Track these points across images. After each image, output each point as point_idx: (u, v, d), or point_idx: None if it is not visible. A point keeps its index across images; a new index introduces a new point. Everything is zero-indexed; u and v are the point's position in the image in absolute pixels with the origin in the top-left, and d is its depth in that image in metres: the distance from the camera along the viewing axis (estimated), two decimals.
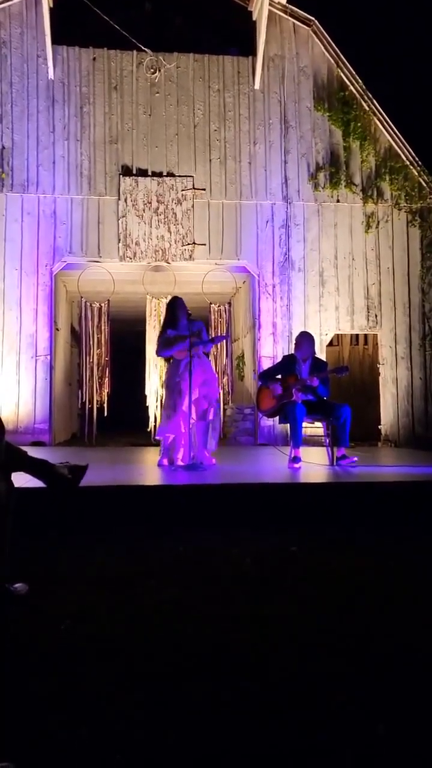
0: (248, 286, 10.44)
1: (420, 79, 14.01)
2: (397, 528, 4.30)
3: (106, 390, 10.22)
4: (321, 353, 9.36)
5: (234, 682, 2.04)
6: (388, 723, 1.81)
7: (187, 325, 5.96)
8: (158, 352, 6.19)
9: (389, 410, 9.74)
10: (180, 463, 5.82)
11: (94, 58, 9.59)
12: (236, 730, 1.77)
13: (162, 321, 6.60)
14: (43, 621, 2.58)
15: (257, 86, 9.75)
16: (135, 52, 9.60)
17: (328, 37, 9.85)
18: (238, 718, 1.83)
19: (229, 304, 11.14)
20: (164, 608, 2.72)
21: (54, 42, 9.37)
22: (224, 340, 10.46)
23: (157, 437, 6.23)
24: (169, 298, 6.37)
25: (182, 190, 9.54)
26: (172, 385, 5.90)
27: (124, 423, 13.24)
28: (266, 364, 8.94)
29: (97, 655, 2.25)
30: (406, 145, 9.87)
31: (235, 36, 10.16)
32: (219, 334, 10.29)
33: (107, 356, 10.23)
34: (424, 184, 9.86)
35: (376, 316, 9.80)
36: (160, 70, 9.64)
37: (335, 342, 10.29)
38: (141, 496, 4.45)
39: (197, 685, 2.02)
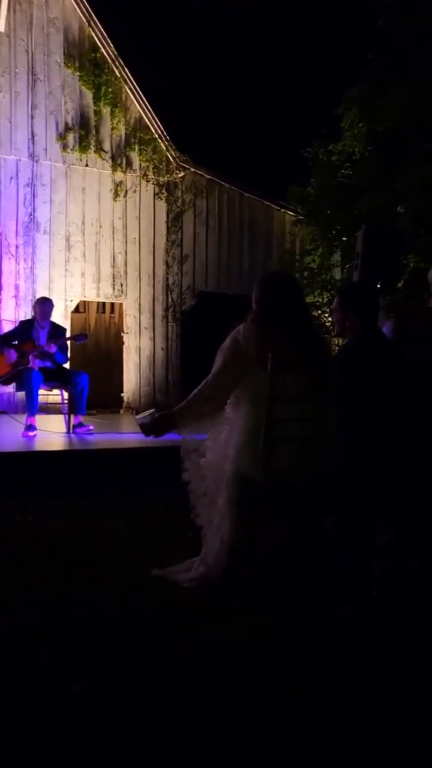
0: None
1: (174, 55, 14.29)
2: (131, 490, 4.45)
3: None
4: (66, 320, 9.23)
5: None
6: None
7: None
8: None
9: (132, 378, 9.98)
10: None
11: None
12: None
13: None
14: None
15: (2, 29, 9.07)
16: None
17: None
18: None
19: None
20: None
21: None
22: None
23: None
24: None
25: None
26: None
27: None
28: (7, 328, 8.53)
29: None
30: (156, 118, 10.02)
31: None
32: None
33: None
34: (171, 159, 10.14)
35: (121, 285, 9.92)
36: None
37: (82, 309, 10.22)
38: None
39: None
